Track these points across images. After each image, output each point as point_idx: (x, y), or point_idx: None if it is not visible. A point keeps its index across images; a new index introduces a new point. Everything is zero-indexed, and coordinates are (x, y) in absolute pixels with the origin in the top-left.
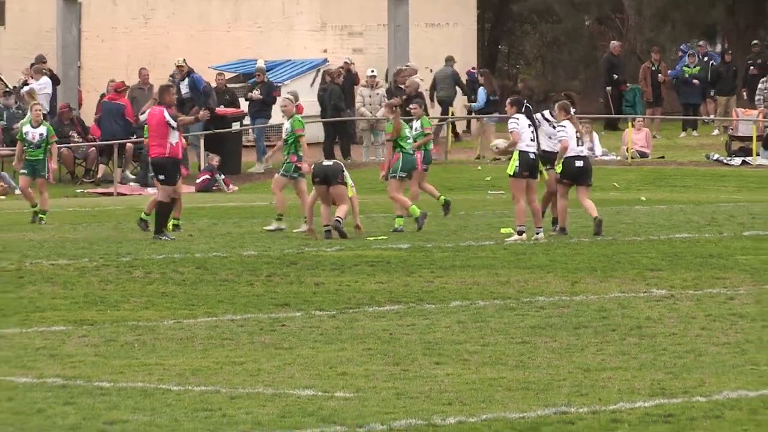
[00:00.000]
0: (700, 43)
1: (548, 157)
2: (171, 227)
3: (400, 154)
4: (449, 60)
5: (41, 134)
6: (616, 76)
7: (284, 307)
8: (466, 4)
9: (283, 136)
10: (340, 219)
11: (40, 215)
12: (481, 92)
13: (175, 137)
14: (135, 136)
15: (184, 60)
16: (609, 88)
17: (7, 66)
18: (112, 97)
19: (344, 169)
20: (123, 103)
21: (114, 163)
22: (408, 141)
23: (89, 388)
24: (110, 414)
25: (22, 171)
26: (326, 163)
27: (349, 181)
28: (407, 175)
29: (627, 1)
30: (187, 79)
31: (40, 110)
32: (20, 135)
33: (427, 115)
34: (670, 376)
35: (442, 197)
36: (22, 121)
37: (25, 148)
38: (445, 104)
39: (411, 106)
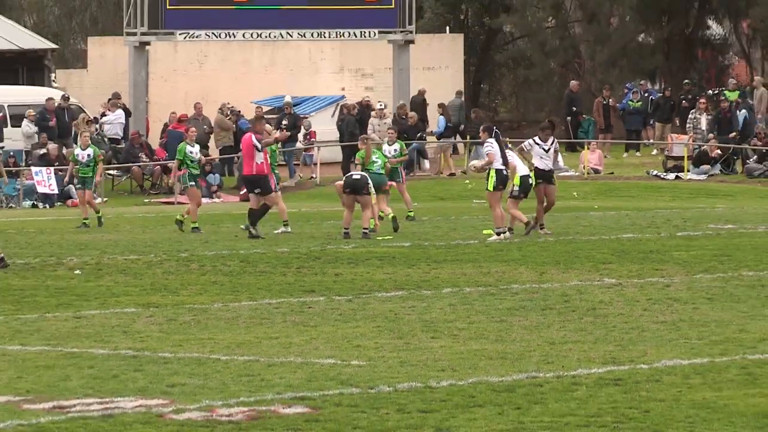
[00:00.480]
0: (642, 81)
1: (541, 174)
2: (190, 228)
3: (367, 173)
4: (459, 93)
5: (89, 155)
6: (575, 109)
7: (311, 293)
8: (454, 52)
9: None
10: (366, 231)
11: (98, 216)
12: (441, 120)
13: (260, 158)
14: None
15: (231, 109)
16: (569, 118)
17: (90, 102)
18: (176, 126)
19: (369, 181)
20: (182, 131)
21: (174, 177)
22: (375, 164)
23: (155, 357)
24: (171, 378)
25: (77, 186)
26: (355, 176)
27: (372, 191)
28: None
29: (583, 49)
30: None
31: (87, 136)
32: (72, 157)
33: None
34: (619, 348)
35: (391, 215)
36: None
37: (77, 167)
38: (454, 129)
39: (388, 131)
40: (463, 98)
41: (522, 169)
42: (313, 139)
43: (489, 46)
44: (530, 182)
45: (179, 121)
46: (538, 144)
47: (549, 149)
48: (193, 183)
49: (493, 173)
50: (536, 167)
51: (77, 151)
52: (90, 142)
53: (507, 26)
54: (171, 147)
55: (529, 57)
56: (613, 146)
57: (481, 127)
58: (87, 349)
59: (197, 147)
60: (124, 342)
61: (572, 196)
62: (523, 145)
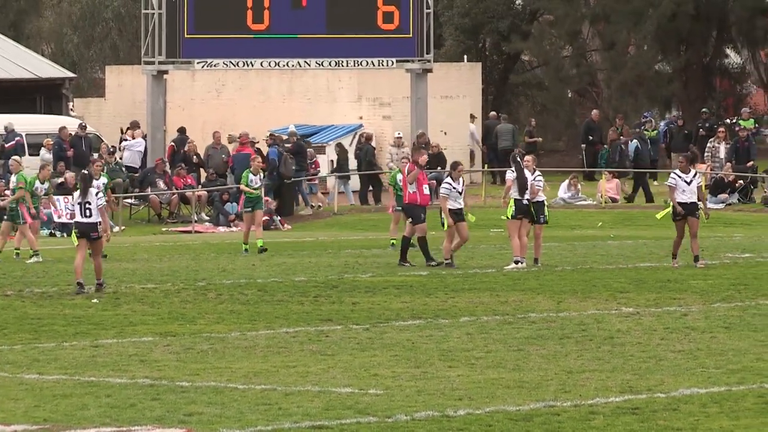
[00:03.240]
0: (672, 114)
1: (683, 206)
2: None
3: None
4: (506, 118)
5: (45, 188)
6: (591, 138)
7: (328, 321)
8: (472, 81)
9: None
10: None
11: (16, 251)
12: None
13: (411, 188)
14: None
15: (271, 134)
16: (584, 146)
17: (108, 130)
18: (240, 148)
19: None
20: (249, 152)
21: (192, 207)
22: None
23: (172, 386)
24: (189, 407)
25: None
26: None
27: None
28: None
29: (601, 77)
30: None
31: (49, 170)
32: (30, 187)
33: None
34: (636, 376)
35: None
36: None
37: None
38: (507, 153)
39: (403, 160)
40: (510, 123)
41: (515, 193)
42: (318, 169)
43: (507, 74)
44: (525, 204)
45: (241, 144)
46: (680, 177)
47: (691, 181)
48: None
49: (512, 202)
50: (678, 201)
51: (37, 183)
52: (49, 175)
53: (525, 54)
54: (238, 170)
55: (546, 85)
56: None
57: (510, 156)
58: (104, 378)
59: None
60: (142, 371)
61: (594, 225)
62: (668, 183)
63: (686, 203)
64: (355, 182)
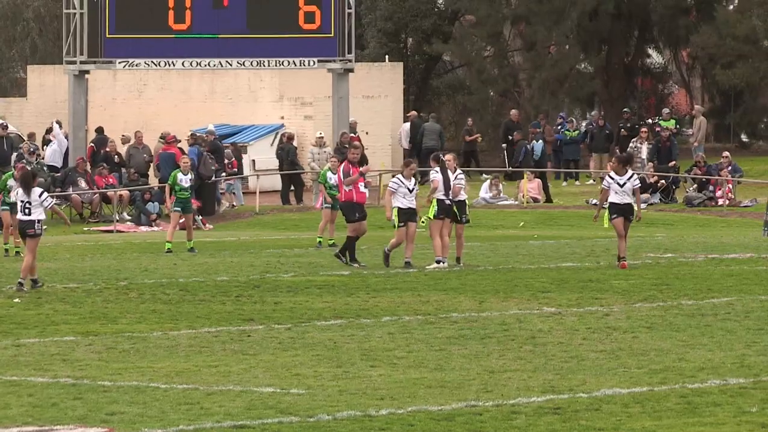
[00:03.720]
0: (593, 113)
1: (616, 208)
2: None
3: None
4: (434, 117)
5: None
6: (510, 137)
7: (250, 321)
8: (394, 80)
9: None
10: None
11: None
12: None
13: (348, 186)
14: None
15: (192, 134)
16: (504, 146)
17: (30, 130)
18: (166, 147)
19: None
20: (174, 152)
21: (114, 206)
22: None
23: (94, 386)
24: (111, 407)
25: None
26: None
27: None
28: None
29: (522, 76)
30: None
31: None
32: None
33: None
34: (558, 376)
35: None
36: None
37: None
38: (430, 152)
39: (331, 159)
40: (438, 123)
41: (440, 193)
42: (234, 169)
43: (428, 74)
44: (448, 204)
45: (167, 143)
46: (613, 179)
47: (624, 183)
48: None
49: (434, 202)
50: (611, 201)
51: None
52: None
53: (446, 55)
54: (163, 169)
55: (467, 86)
56: (552, 175)
57: (432, 156)
58: (26, 377)
59: None
60: (64, 370)
61: (516, 225)
62: (602, 185)
63: (621, 204)
64: (276, 182)
